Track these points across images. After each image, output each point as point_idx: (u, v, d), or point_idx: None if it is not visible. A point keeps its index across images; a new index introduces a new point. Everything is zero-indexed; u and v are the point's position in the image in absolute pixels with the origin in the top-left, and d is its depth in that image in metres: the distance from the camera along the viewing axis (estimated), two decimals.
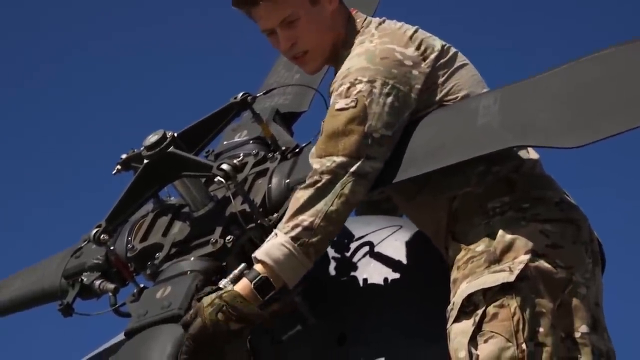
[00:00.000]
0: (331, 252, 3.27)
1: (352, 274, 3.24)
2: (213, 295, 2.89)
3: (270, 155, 3.30)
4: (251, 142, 3.41)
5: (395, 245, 3.26)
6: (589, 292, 2.98)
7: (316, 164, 2.95)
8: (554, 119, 2.84)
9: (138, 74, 9.68)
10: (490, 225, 2.98)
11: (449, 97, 3.10)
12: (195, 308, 2.91)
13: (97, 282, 3.27)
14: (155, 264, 3.18)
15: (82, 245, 3.42)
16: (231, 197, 3.10)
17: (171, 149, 3.19)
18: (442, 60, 3.12)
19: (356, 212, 3.43)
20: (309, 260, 2.93)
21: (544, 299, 2.90)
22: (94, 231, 3.21)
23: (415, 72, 3.05)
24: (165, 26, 9.72)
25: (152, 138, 3.22)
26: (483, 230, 2.98)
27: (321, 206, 2.90)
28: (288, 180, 3.16)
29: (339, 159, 2.93)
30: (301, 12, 3.10)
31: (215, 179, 3.09)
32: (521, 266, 2.90)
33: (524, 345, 2.85)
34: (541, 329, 2.88)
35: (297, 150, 3.27)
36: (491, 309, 2.89)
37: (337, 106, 2.98)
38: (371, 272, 3.23)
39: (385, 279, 3.21)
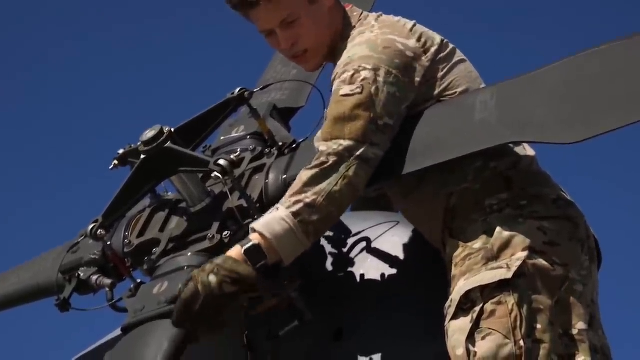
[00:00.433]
0: (328, 247, 3.30)
1: (349, 269, 3.26)
2: (206, 264, 2.91)
3: (267, 150, 3.31)
4: (248, 137, 3.42)
5: (392, 241, 3.28)
6: (585, 289, 3.00)
7: (322, 146, 2.97)
8: (551, 115, 2.85)
9: (135, 69, 9.69)
10: (487, 222, 3.00)
11: (448, 92, 3.11)
12: (188, 277, 2.91)
13: (94, 278, 3.28)
14: (152, 260, 3.19)
15: (79, 240, 3.42)
16: (228, 193, 3.11)
17: (168, 144, 3.20)
18: (441, 55, 3.14)
19: (352, 207, 3.45)
20: (307, 240, 2.93)
21: (542, 295, 2.93)
22: (91, 226, 3.22)
23: (415, 64, 3.08)
24: (162, 20, 9.74)
25: (149, 133, 3.22)
26: (481, 227, 3.00)
27: (325, 185, 2.91)
28: (285, 176, 3.17)
29: (345, 143, 2.95)
30: (300, 12, 3.13)
31: (213, 175, 3.10)
32: (519, 263, 2.92)
33: (521, 342, 2.87)
34: (539, 326, 2.90)
35: (294, 145, 3.28)
36: (489, 306, 2.91)
37: (342, 92, 3.00)
38: (368, 268, 3.24)
39: (382, 275, 3.22)
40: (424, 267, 3.20)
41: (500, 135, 2.92)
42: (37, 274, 3.53)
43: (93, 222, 3.23)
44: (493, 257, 2.96)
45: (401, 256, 3.25)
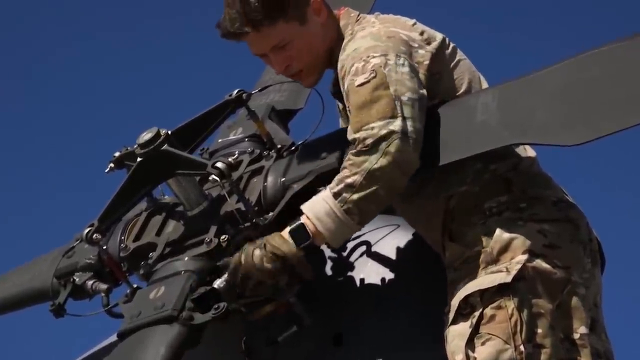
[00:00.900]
0: (327, 251, 3.30)
1: (349, 273, 3.27)
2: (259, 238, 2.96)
3: (265, 153, 3.31)
4: (246, 139, 3.43)
5: (392, 244, 3.28)
6: (587, 293, 3.01)
7: (357, 135, 2.94)
8: (553, 116, 2.86)
9: (132, 70, 9.70)
10: (487, 225, 3.01)
11: (452, 90, 3.12)
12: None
13: (90, 283, 3.28)
14: (148, 264, 3.19)
15: (75, 244, 3.42)
16: (226, 196, 3.11)
17: (165, 146, 3.20)
18: (444, 51, 3.15)
19: None
20: (352, 220, 2.91)
21: (542, 299, 2.93)
22: (87, 230, 3.22)
23: (421, 51, 3.09)
24: (160, 21, 9.75)
25: (146, 136, 3.22)
26: (480, 230, 3.01)
27: (365, 165, 2.89)
28: (284, 179, 3.17)
29: (377, 124, 2.92)
30: (291, 36, 3.15)
31: (210, 178, 3.10)
32: (518, 266, 2.93)
33: (522, 347, 2.87)
34: (539, 330, 2.91)
35: (293, 148, 3.28)
36: (488, 311, 2.91)
37: (357, 82, 3.00)
38: (368, 272, 3.25)
39: (383, 279, 3.23)
40: (425, 271, 3.21)
41: (501, 137, 2.93)
42: (32, 279, 3.53)
43: (89, 226, 3.23)
44: (492, 260, 2.96)
45: (401, 260, 3.26)
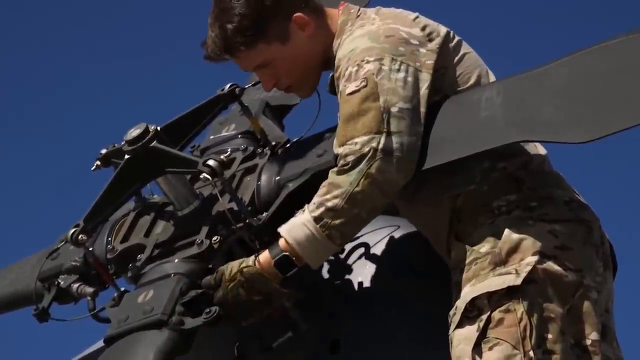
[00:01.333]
0: None
1: (347, 277, 3.24)
2: (235, 268, 2.96)
3: (259, 150, 3.29)
4: (239, 136, 3.39)
5: (392, 246, 3.25)
6: (599, 297, 2.97)
7: (340, 150, 2.95)
8: (560, 113, 2.83)
9: (119, 63, 9.65)
10: (495, 224, 2.97)
11: (459, 84, 3.09)
12: (219, 275, 2.97)
13: (75, 286, 3.25)
14: (136, 266, 3.16)
15: (59, 246, 3.39)
16: (218, 195, 3.08)
17: (154, 143, 3.17)
18: (449, 45, 3.12)
19: None
20: (333, 243, 2.93)
21: (553, 303, 2.90)
22: (72, 231, 3.18)
23: (423, 50, 3.06)
24: (148, 11, 9.70)
25: (134, 132, 3.19)
26: (488, 230, 2.97)
27: (346, 187, 2.89)
28: (278, 177, 3.15)
29: (360, 139, 2.92)
30: (273, 56, 3.15)
31: (201, 176, 3.08)
32: (528, 268, 2.89)
33: (531, 353, 2.84)
34: (549, 336, 2.87)
35: (288, 145, 3.26)
36: (496, 314, 2.88)
37: (348, 90, 2.99)
38: (367, 275, 3.22)
39: (382, 282, 3.20)
40: (426, 274, 3.18)
41: (506, 134, 2.90)
42: (14, 282, 3.50)
43: (74, 227, 3.19)
44: (501, 261, 2.93)
45: (402, 262, 3.24)
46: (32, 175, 9.37)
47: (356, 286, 3.22)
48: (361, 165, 2.89)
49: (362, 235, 3.25)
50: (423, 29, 3.10)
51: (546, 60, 2.93)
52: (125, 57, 9.65)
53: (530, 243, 2.93)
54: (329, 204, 2.90)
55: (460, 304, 2.92)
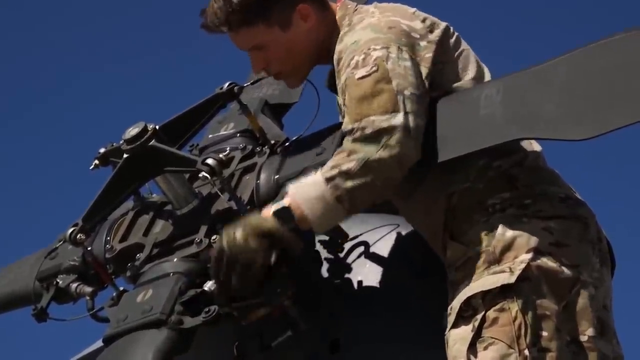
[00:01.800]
0: (324, 252, 3.28)
1: (347, 275, 3.25)
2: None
3: (258, 149, 3.30)
4: (238, 135, 3.41)
5: (392, 245, 3.26)
6: (597, 293, 2.99)
7: (355, 124, 2.94)
8: (560, 110, 2.84)
9: (118, 62, 9.66)
10: (489, 223, 2.99)
11: (455, 81, 3.11)
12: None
13: (74, 285, 3.27)
14: (135, 266, 3.18)
15: (58, 245, 3.41)
16: (218, 194, 3.09)
17: (152, 142, 3.18)
18: (449, 40, 3.15)
19: None
20: (341, 207, 2.90)
21: (548, 300, 2.91)
22: (70, 230, 3.20)
23: (423, 43, 3.09)
24: (147, 11, 9.71)
25: (133, 131, 3.20)
26: (482, 228, 2.99)
27: (362, 154, 2.89)
28: (277, 176, 3.16)
29: (377, 117, 2.93)
30: (270, 40, 3.17)
31: (200, 175, 3.08)
32: (522, 266, 2.91)
33: (526, 352, 2.85)
34: (545, 333, 2.89)
35: (287, 144, 3.27)
36: (491, 314, 2.89)
37: (358, 75, 3.00)
38: (366, 274, 3.23)
39: (382, 282, 3.21)
40: (426, 273, 3.18)
41: (506, 131, 2.92)
42: (13, 282, 3.52)
43: (72, 226, 3.21)
44: (495, 260, 2.95)
45: (401, 261, 3.25)
46: (30, 175, 9.41)
47: (356, 285, 3.23)
48: (381, 137, 2.89)
49: (361, 234, 3.29)
50: (423, 21, 3.14)
51: (545, 58, 2.94)
52: (124, 57, 9.68)
53: (524, 240, 2.94)
54: (344, 167, 2.89)
55: (456, 303, 2.94)
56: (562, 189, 3.09)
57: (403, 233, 3.28)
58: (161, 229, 3.24)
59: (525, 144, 3.11)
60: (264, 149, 3.28)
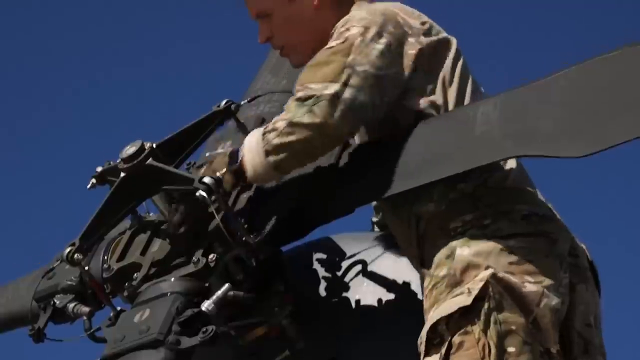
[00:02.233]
0: (321, 271, 3.29)
1: (344, 294, 3.26)
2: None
3: None
4: None
5: (389, 264, 3.27)
6: (563, 308, 2.99)
7: (297, 87, 3.07)
8: (558, 126, 2.85)
9: (114, 80, 9.66)
10: (450, 246, 3.01)
11: (444, 89, 3.12)
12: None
13: (71, 305, 3.27)
14: (133, 285, 3.18)
15: (55, 265, 3.41)
16: (214, 213, 3.09)
17: (150, 160, 3.19)
18: (446, 52, 3.16)
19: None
20: (269, 163, 3.03)
21: (513, 314, 2.91)
22: (67, 250, 3.19)
23: (412, 39, 3.12)
24: (144, 29, 9.72)
25: (130, 149, 3.21)
26: (444, 253, 3.01)
27: (290, 115, 3.02)
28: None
29: (315, 85, 3.03)
30: (274, 9, 3.25)
31: (197, 194, 3.08)
32: (480, 285, 2.92)
33: None
34: (511, 349, 2.89)
35: None
36: (456, 339, 2.90)
37: (327, 46, 3.10)
38: (364, 293, 3.23)
39: (379, 300, 3.22)
40: (423, 292, 3.13)
41: (503, 148, 2.93)
42: (10, 302, 3.53)
43: (70, 246, 3.20)
44: (456, 282, 2.96)
45: (399, 280, 3.25)
46: (27, 194, 9.39)
47: (353, 304, 3.23)
48: (308, 102, 2.99)
49: (359, 253, 3.30)
50: (423, 23, 3.17)
51: (545, 69, 2.96)
52: (120, 75, 9.67)
53: (482, 260, 2.95)
54: (277, 124, 3.03)
55: (423, 332, 2.94)
56: (527, 205, 3.07)
57: (400, 252, 3.26)
58: (158, 248, 3.23)
59: (492, 162, 3.08)
60: None
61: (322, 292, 3.28)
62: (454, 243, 2.99)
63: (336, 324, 3.21)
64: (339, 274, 3.29)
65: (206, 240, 3.13)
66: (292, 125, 2.99)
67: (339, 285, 3.26)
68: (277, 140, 3.00)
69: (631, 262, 8.18)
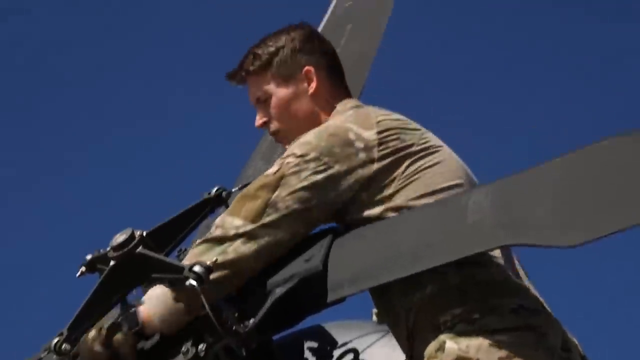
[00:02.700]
0: (312, 359, 3.28)
1: None
2: None
3: None
4: None
5: (382, 352, 3.27)
6: None
7: (217, 220, 3.10)
8: (551, 215, 2.85)
9: (106, 167, 9.63)
10: (439, 340, 2.99)
11: (411, 195, 3.12)
12: None
13: None
14: None
15: (42, 356, 3.35)
16: (204, 301, 3.05)
17: (140, 249, 3.18)
18: (402, 161, 3.15)
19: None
20: (175, 303, 3.03)
21: None
22: (55, 340, 3.16)
23: (362, 155, 3.13)
24: (136, 117, 9.72)
25: (120, 238, 3.20)
26: (433, 347, 3.00)
27: (205, 258, 3.04)
28: (268, 282, 3.11)
29: (236, 221, 3.06)
30: (272, 92, 3.34)
31: (187, 283, 3.06)
32: None
33: None
34: None
35: None
36: None
37: (266, 172, 3.15)
38: None
39: None
40: None
41: (494, 237, 2.92)
42: None
43: (57, 336, 3.17)
44: None
45: None
46: (16, 282, 9.34)
47: None
48: (225, 244, 3.03)
49: (350, 341, 3.28)
50: (381, 132, 3.15)
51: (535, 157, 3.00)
52: (114, 163, 9.65)
53: (472, 354, 2.94)
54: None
55: None
56: (517, 298, 3.06)
57: (393, 340, 3.23)
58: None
59: (482, 253, 3.07)
60: None
61: None
62: (443, 337, 2.98)
63: None
64: None
65: (196, 329, 3.10)
66: (207, 268, 3.00)
67: None
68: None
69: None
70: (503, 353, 2.95)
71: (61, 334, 3.18)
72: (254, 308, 3.10)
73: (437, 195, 3.13)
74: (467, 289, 3.04)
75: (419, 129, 3.23)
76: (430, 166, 3.18)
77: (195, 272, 3.06)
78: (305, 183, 3.09)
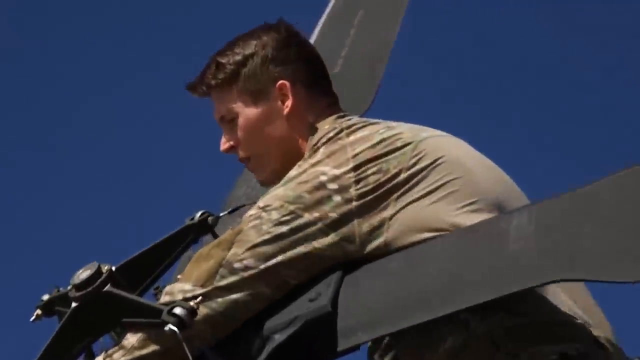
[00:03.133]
0: None
1: None
2: None
3: None
4: None
5: None
6: None
7: (169, 287, 2.92)
8: (605, 245, 2.61)
9: (63, 187, 9.28)
10: None
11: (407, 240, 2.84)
12: None
13: None
14: None
15: None
16: (187, 352, 2.84)
17: (107, 287, 2.94)
18: (392, 185, 2.87)
19: None
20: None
21: None
22: None
23: (337, 197, 2.86)
24: (113, 141, 9.46)
25: (83, 274, 2.96)
26: None
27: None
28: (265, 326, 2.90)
29: (187, 286, 2.86)
30: (238, 111, 3.04)
31: (166, 328, 2.83)
32: None
33: None
34: None
35: None
36: None
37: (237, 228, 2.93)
38: None
39: None
40: None
41: (542, 271, 2.65)
42: None
43: None
44: None
45: None
46: None
47: None
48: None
49: None
50: (357, 167, 2.88)
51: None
52: (72, 188, 9.37)
53: None
54: (126, 341, 2.88)
55: None
56: (559, 345, 2.80)
57: None
58: None
59: (513, 294, 2.78)
60: None
61: None
62: None
63: None
64: None
65: None
66: (145, 339, 2.86)
67: None
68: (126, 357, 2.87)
69: None
70: None
71: None
72: (248, 358, 2.89)
73: (440, 231, 2.86)
74: (498, 339, 2.79)
75: (409, 143, 2.92)
76: (425, 194, 2.89)
77: (175, 315, 2.84)
78: (265, 237, 2.85)
